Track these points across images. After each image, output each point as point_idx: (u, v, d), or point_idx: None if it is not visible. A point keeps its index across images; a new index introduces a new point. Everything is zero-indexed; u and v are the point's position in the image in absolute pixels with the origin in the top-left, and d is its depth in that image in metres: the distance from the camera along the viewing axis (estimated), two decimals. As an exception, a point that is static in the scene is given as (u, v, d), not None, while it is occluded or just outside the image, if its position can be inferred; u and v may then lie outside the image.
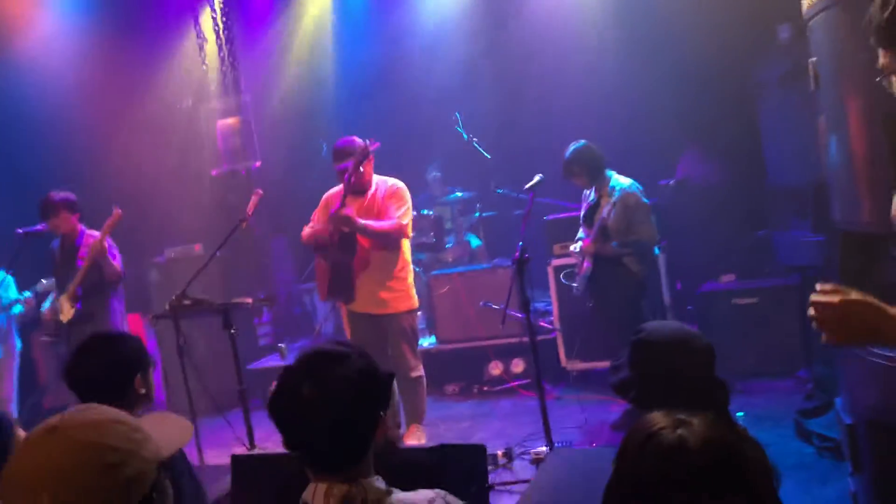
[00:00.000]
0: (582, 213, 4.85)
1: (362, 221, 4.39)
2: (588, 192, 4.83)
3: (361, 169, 4.48)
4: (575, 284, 5.00)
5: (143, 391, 2.34)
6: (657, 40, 6.01)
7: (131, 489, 1.16)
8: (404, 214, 4.53)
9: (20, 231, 5.06)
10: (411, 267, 4.72)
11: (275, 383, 1.65)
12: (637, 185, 4.64)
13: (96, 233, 5.07)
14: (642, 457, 1.26)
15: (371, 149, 4.43)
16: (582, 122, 6.07)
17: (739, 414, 4.21)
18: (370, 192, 4.59)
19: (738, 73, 5.59)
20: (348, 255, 4.50)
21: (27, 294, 5.64)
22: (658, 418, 1.31)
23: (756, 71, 5.33)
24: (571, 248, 4.93)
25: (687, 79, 5.96)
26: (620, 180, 4.63)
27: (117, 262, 5.05)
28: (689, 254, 5.74)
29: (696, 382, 1.86)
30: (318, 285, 4.84)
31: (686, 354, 1.90)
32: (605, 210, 4.54)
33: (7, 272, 5.47)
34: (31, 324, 6.22)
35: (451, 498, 1.66)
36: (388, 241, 4.53)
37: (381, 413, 1.66)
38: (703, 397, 1.84)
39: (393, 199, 4.55)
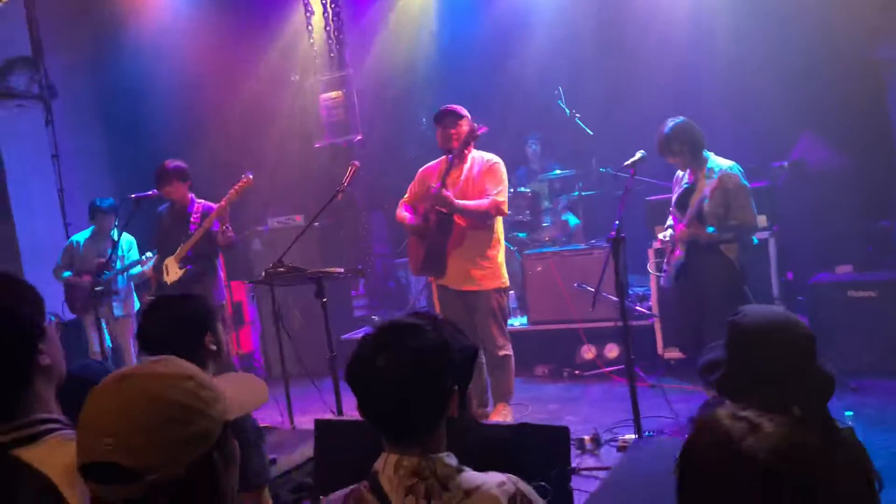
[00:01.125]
0: (675, 196, 4.51)
1: (460, 202, 4.37)
2: (682, 173, 4.49)
3: (466, 152, 4.47)
4: (662, 274, 4.70)
5: (213, 347, 2.38)
6: (775, 13, 5.63)
7: (192, 445, 1.16)
8: (501, 192, 4.48)
9: (133, 196, 5.32)
10: (503, 245, 4.66)
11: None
12: (738, 167, 4.28)
13: (206, 203, 5.29)
14: (706, 460, 1.16)
15: (479, 132, 4.43)
16: (690, 100, 5.80)
17: (848, 413, 3.92)
18: (466, 167, 4.56)
19: (863, 48, 5.18)
20: (445, 236, 4.51)
21: (150, 254, 5.92)
22: (726, 418, 1.19)
23: (883, 46, 4.91)
24: (661, 235, 4.62)
25: (807, 54, 5.56)
26: (720, 161, 4.27)
27: (230, 231, 5.18)
28: (803, 242, 5.39)
29: (792, 372, 1.72)
30: (410, 261, 4.87)
31: (784, 340, 1.75)
32: (705, 191, 4.21)
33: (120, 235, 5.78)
34: (142, 285, 6.58)
35: (522, 484, 1.61)
36: (484, 220, 4.49)
37: (455, 387, 1.62)
38: (799, 389, 1.70)
39: (489, 176, 4.50)
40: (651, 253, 5.54)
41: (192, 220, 5.23)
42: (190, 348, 2.29)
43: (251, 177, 5.07)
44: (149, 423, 1.13)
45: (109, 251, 5.85)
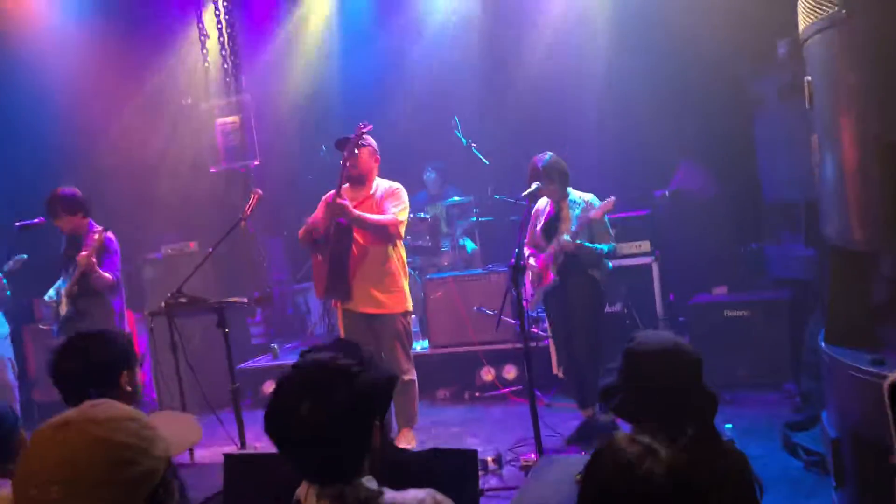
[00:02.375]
0: (540, 225, 4.72)
1: (357, 212, 4.43)
2: (542, 206, 4.74)
3: (357, 151, 4.51)
4: (527, 301, 4.73)
5: (129, 388, 2.35)
6: (656, 50, 6.06)
7: (140, 485, 1.19)
8: (401, 212, 4.58)
9: (17, 224, 5.06)
10: (406, 269, 4.75)
11: (271, 390, 1.63)
12: (596, 198, 4.62)
13: (101, 229, 5.02)
14: (608, 483, 1.31)
15: (364, 130, 4.47)
16: (578, 132, 6.14)
17: (728, 426, 4.24)
18: (370, 192, 4.63)
19: (736, 86, 5.64)
20: (343, 247, 4.52)
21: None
22: (626, 443, 1.35)
23: (754, 85, 5.37)
24: (531, 261, 4.74)
25: (684, 90, 6.01)
26: (580, 194, 4.63)
27: (110, 271, 4.98)
28: (683, 265, 5.78)
29: (683, 394, 1.90)
30: (315, 282, 4.85)
31: (674, 366, 1.93)
32: (573, 219, 4.50)
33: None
34: (21, 313, 6.21)
35: (440, 497, 1.68)
36: (383, 237, 4.55)
37: (378, 422, 1.67)
38: (689, 409, 1.88)
39: (391, 199, 4.60)
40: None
41: (84, 249, 5.01)
42: (104, 389, 2.25)
43: (108, 234, 4.95)
44: (97, 467, 1.15)
45: None
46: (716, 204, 5.91)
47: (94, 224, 5.10)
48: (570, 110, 6.39)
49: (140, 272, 6.83)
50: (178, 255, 6.75)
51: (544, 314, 5.96)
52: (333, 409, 1.53)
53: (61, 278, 5.17)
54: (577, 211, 4.53)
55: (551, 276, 4.63)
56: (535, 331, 5.91)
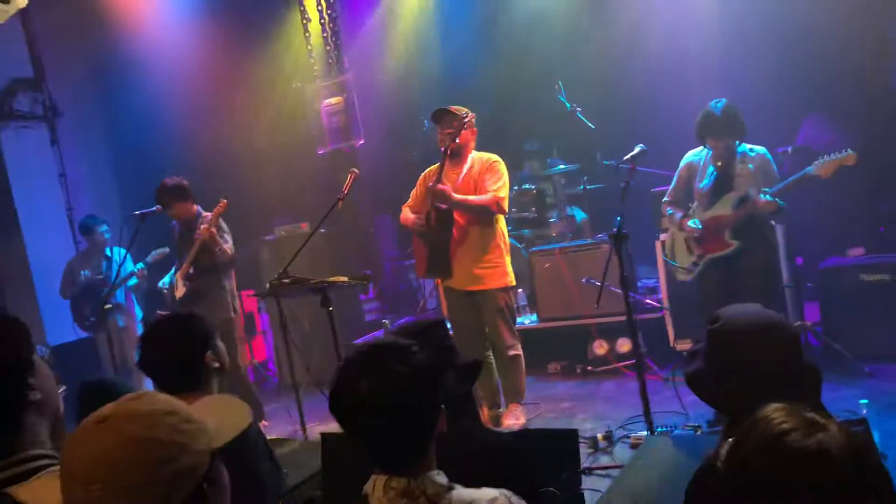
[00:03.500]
0: (705, 182, 4.28)
1: (458, 196, 4.35)
2: (692, 160, 4.39)
3: (458, 141, 4.44)
4: (686, 267, 4.42)
5: (216, 364, 2.40)
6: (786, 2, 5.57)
7: (182, 482, 1.15)
8: (501, 188, 4.45)
9: (137, 213, 5.33)
10: (508, 243, 4.64)
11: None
12: (767, 150, 4.24)
13: (208, 214, 5.29)
14: (769, 458, 1.11)
15: (466, 119, 4.40)
16: (692, 87, 5.73)
17: (863, 402, 3.87)
18: (466, 167, 4.54)
19: (870, 30, 5.09)
20: (446, 233, 4.49)
21: (140, 266, 6.02)
22: (784, 417, 1.14)
23: (891, 28, 4.82)
24: (690, 223, 4.31)
25: (812, 36, 5.49)
26: (750, 146, 4.23)
27: (228, 246, 5.23)
28: (812, 226, 5.32)
29: (782, 374, 1.67)
30: (416, 263, 4.86)
31: (769, 345, 1.70)
32: (745, 174, 4.11)
33: (127, 251, 5.81)
34: (149, 295, 6.61)
35: (515, 499, 1.58)
36: (484, 217, 4.47)
37: (443, 405, 1.60)
38: (789, 388, 1.66)
39: (489, 173, 4.49)
40: (658, 245, 5.48)
41: (196, 235, 5.24)
42: (192, 369, 2.30)
43: (226, 202, 5.12)
44: (136, 466, 1.12)
45: (104, 266, 5.90)
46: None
47: (202, 210, 5.33)
48: (680, 65, 5.99)
49: (256, 254, 7.07)
50: (290, 236, 6.94)
51: (657, 284, 5.69)
52: (392, 388, 1.51)
53: (174, 266, 5.43)
54: (751, 165, 4.14)
55: (728, 242, 4.21)
56: (649, 301, 5.65)
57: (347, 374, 1.56)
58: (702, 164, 4.34)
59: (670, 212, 4.53)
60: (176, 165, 7.23)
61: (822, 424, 1.11)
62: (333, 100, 7.39)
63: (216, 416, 1.30)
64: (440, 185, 4.35)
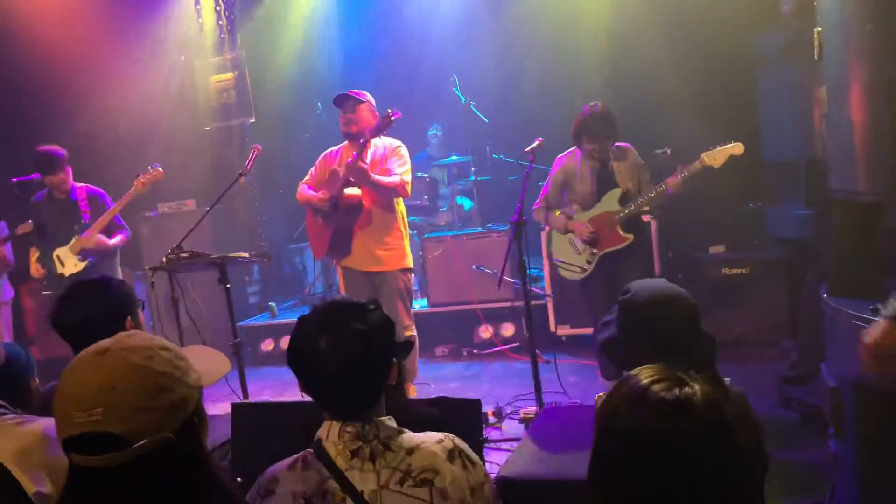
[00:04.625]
0: (591, 185, 4.45)
1: (375, 175, 4.41)
2: (573, 163, 4.51)
3: (360, 125, 4.48)
4: (581, 266, 4.53)
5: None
6: (660, 9, 6.01)
7: (176, 411, 1.22)
8: (405, 172, 4.55)
9: (14, 180, 5.02)
10: (407, 227, 4.75)
11: (284, 338, 1.68)
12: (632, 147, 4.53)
13: (89, 186, 5.15)
14: (632, 407, 1.26)
15: (393, 118, 4.37)
16: (577, 89, 6.09)
17: (726, 380, 4.29)
18: (370, 151, 4.60)
19: (737, 42, 5.59)
20: (352, 217, 4.53)
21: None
22: (653, 372, 1.30)
23: (756, 42, 5.33)
24: (580, 224, 4.42)
25: (685, 47, 5.97)
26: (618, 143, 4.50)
27: (119, 235, 5.15)
28: (682, 223, 5.79)
29: (681, 340, 1.91)
30: (313, 244, 4.85)
31: (672, 312, 1.93)
32: (622, 171, 4.38)
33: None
34: (18, 274, 6.20)
35: (458, 441, 1.72)
36: (388, 199, 4.55)
37: (394, 360, 1.71)
38: (690, 354, 1.89)
39: (395, 157, 4.57)
40: (544, 236, 5.78)
41: (81, 207, 5.00)
42: (110, 334, 2.25)
43: (160, 169, 5.01)
44: (136, 392, 1.18)
45: None
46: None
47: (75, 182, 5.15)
48: (568, 67, 6.34)
49: (136, 231, 6.79)
50: (174, 213, 6.73)
51: (541, 273, 6.00)
52: (351, 343, 1.59)
53: (46, 239, 5.13)
54: (629, 161, 4.41)
55: (623, 236, 4.40)
56: (534, 289, 5.94)
57: (306, 330, 1.63)
58: (578, 165, 4.53)
59: (547, 215, 4.65)
60: (52, 138, 6.82)
61: (686, 381, 1.26)
62: (224, 76, 7.22)
63: (199, 361, 1.36)
64: (361, 163, 4.36)
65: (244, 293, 7.26)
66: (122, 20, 6.92)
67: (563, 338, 5.79)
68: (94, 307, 2.25)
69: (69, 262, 5.01)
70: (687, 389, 1.25)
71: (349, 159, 4.42)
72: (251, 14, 7.36)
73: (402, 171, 4.52)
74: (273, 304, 6.95)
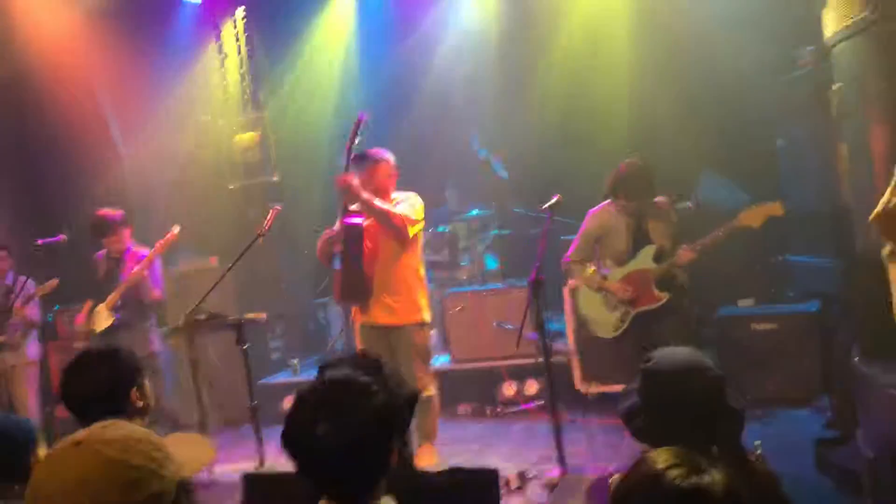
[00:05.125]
0: (622, 239, 4.42)
1: (365, 193, 4.29)
2: (608, 217, 4.50)
3: (357, 141, 4.41)
4: (612, 325, 4.47)
5: (140, 403, 2.31)
6: (678, 63, 6.01)
7: None
8: (410, 212, 4.45)
9: (39, 242, 5.10)
10: (424, 279, 4.66)
11: (289, 406, 1.61)
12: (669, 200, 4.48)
13: (143, 250, 5.26)
14: (646, 493, 1.20)
15: (362, 119, 4.36)
16: (599, 144, 6.07)
17: (757, 443, 4.12)
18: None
19: (758, 96, 5.55)
20: (354, 248, 4.41)
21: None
22: (670, 456, 1.24)
23: (777, 95, 5.29)
24: (615, 282, 4.37)
25: (706, 101, 5.94)
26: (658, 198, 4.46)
27: (158, 287, 5.22)
28: (708, 277, 5.66)
29: (705, 413, 1.82)
30: (333, 288, 4.75)
31: (695, 384, 1.86)
32: (656, 227, 4.32)
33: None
34: (45, 332, 6.27)
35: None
36: (391, 231, 4.40)
37: (397, 442, 1.63)
38: (712, 428, 1.80)
39: (402, 203, 4.51)
40: (566, 291, 5.69)
41: (126, 266, 5.13)
42: (115, 407, 2.21)
43: (176, 232, 5.11)
44: (109, 487, 1.13)
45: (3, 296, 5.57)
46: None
47: (132, 243, 5.33)
48: (589, 123, 6.33)
49: (160, 288, 6.84)
50: (197, 271, 6.76)
51: (564, 329, 5.89)
52: (351, 431, 1.51)
53: (92, 301, 5.24)
54: (664, 217, 4.35)
55: (659, 295, 4.32)
56: (557, 346, 5.83)
57: (302, 413, 1.55)
58: (613, 220, 4.48)
59: (580, 269, 4.58)
60: (77, 195, 6.95)
61: (704, 468, 1.19)
62: (248, 135, 7.33)
63: (182, 450, 1.32)
64: (346, 176, 4.24)
65: (266, 349, 7.23)
66: (148, 78, 7.08)
67: (589, 396, 5.64)
68: (95, 380, 2.22)
69: (101, 319, 5.12)
70: (705, 478, 1.18)
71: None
72: (274, 73, 7.50)
73: (404, 209, 4.42)
74: (295, 360, 6.90)
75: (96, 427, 1.23)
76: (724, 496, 1.17)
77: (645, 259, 4.38)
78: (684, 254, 4.23)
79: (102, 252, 5.37)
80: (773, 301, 5.42)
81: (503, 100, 6.84)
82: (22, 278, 5.57)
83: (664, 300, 4.34)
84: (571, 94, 6.44)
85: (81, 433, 1.21)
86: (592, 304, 4.60)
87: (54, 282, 5.67)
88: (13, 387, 5.80)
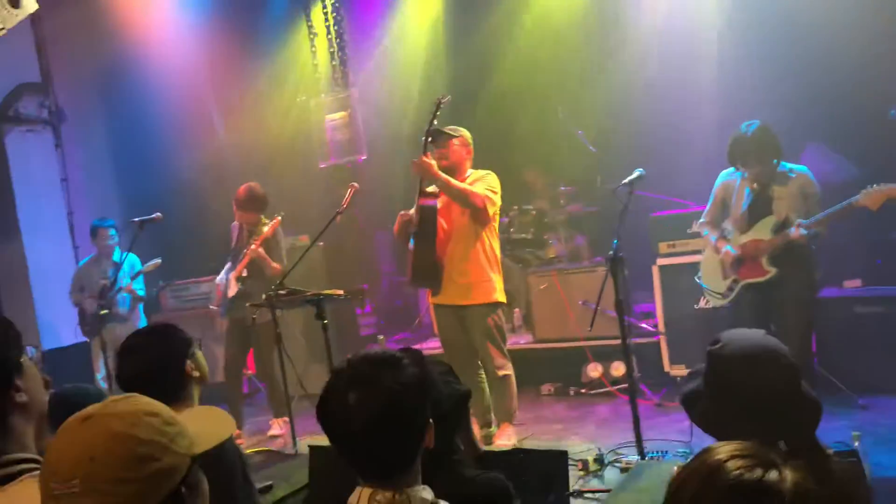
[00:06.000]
0: (742, 205, 4.19)
1: (443, 175, 4.30)
2: (732, 180, 4.25)
3: (435, 122, 4.41)
4: (721, 292, 4.31)
5: (196, 374, 2.36)
6: (781, 31, 5.62)
7: (160, 482, 1.16)
8: (490, 190, 4.40)
9: (136, 220, 5.36)
10: (499, 259, 4.59)
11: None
12: (809, 171, 4.14)
13: (270, 223, 5.43)
14: (705, 485, 1.08)
15: (443, 101, 4.36)
16: (695, 114, 5.78)
17: (856, 433, 3.85)
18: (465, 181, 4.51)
19: (870, 66, 5.13)
20: (428, 228, 4.40)
21: (156, 260, 6.12)
22: (738, 447, 1.11)
23: (890, 65, 4.86)
24: (726, 248, 4.20)
25: (814, 72, 5.53)
26: (790, 165, 4.15)
27: (276, 265, 5.34)
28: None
29: (775, 403, 1.67)
30: (407, 270, 4.76)
31: (766, 371, 1.70)
32: (783, 197, 4.02)
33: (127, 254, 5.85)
34: (149, 306, 6.62)
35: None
36: (469, 209, 4.38)
37: (430, 420, 1.60)
38: (782, 420, 1.65)
39: (480, 181, 4.46)
40: (655, 269, 5.48)
41: (254, 240, 5.34)
42: (172, 380, 2.27)
43: (279, 218, 5.31)
44: (115, 462, 1.12)
45: (111, 272, 5.89)
46: (848, 190, 5.38)
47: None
48: (687, 87, 6.02)
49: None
50: (290, 248, 6.92)
51: (653, 308, 5.68)
52: (379, 399, 1.50)
53: (229, 264, 5.50)
54: (794, 187, 4.04)
55: (766, 269, 4.11)
56: (645, 326, 5.65)
57: (336, 385, 1.56)
58: (737, 184, 4.25)
59: (706, 233, 4.46)
60: (177, 174, 7.27)
61: (776, 463, 1.07)
62: (337, 114, 7.44)
63: (200, 423, 1.30)
64: (423, 158, 4.26)
65: (356, 325, 7.36)
66: (242, 58, 7.29)
67: (679, 378, 5.43)
68: (149, 357, 2.28)
69: (232, 285, 5.35)
70: (773, 474, 1.06)
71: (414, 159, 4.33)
72: (363, 52, 7.55)
73: (484, 188, 4.38)
74: (382, 337, 6.99)
75: (109, 401, 1.23)
76: (793, 496, 1.04)
77: (763, 229, 4.12)
78: (796, 230, 3.94)
79: (236, 223, 5.59)
80: (881, 283, 5.01)
81: (590, 76, 6.62)
82: (128, 255, 5.89)
83: (769, 274, 4.09)
84: (663, 62, 6.15)
85: (92, 407, 1.20)
86: (711, 270, 4.43)
87: (157, 262, 5.98)
88: None
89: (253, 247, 5.21)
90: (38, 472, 1.50)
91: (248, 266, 5.32)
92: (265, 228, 5.29)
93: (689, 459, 1.19)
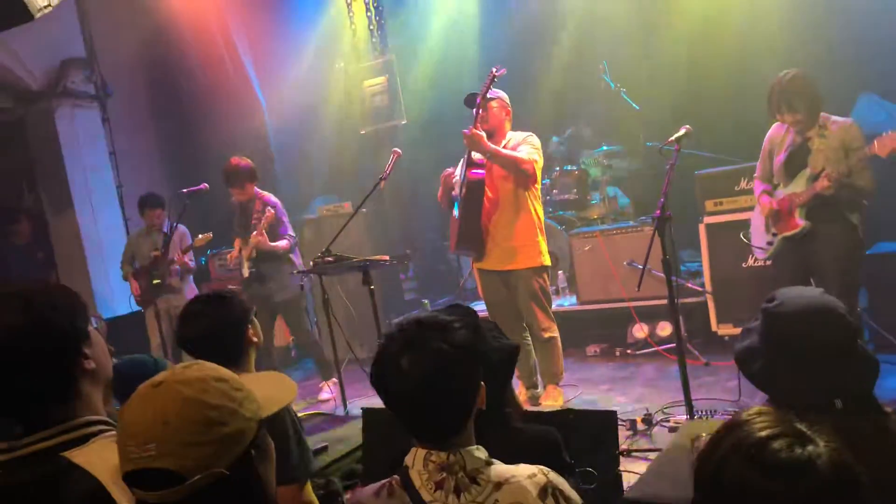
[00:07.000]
0: (780, 157, 4.08)
1: (493, 146, 4.31)
2: (777, 133, 4.14)
3: (489, 96, 4.39)
4: (761, 246, 4.25)
5: (255, 339, 2.44)
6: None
7: (230, 445, 1.20)
8: (535, 152, 4.40)
9: (184, 191, 5.45)
10: (542, 222, 4.58)
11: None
12: (855, 123, 3.96)
13: (267, 196, 5.45)
14: (745, 462, 1.07)
15: (497, 74, 4.31)
16: (739, 66, 5.63)
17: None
18: (503, 142, 4.50)
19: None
20: (475, 198, 4.42)
21: (201, 235, 6.07)
22: (769, 422, 1.09)
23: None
24: (764, 199, 4.13)
25: (866, 18, 5.32)
26: (831, 118, 3.97)
27: (282, 243, 5.36)
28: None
29: (832, 361, 1.65)
30: (451, 237, 4.80)
31: (823, 328, 1.67)
32: (824, 149, 3.88)
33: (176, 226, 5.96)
34: (200, 275, 6.76)
35: (553, 475, 1.59)
36: (517, 175, 4.38)
37: (482, 382, 1.62)
38: (840, 378, 1.63)
39: (524, 144, 4.44)
40: (702, 228, 5.40)
41: (253, 217, 5.35)
42: (231, 345, 2.34)
43: (273, 212, 5.23)
44: (188, 427, 1.17)
45: (162, 244, 6.01)
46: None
47: (258, 191, 5.47)
48: (726, 45, 5.85)
49: (299, 232, 7.16)
50: (333, 216, 7.01)
51: (701, 268, 5.61)
52: (431, 361, 1.53)
53: (241, 239, 5.52)
54: (835, 140, 3.88)
55: (798, 222, 4.03)
56: (692, 286, 5.59)
57: (389, 349, 1.58)
58: (780, 137, 4.14)
59: (755, 187, 4.38)
60: (220, 146, 7.36)
61: (810, 437, 1.06)
62: (376, 80, 7.42)
63: (264, 388, 1.35)
64: (475, 130, 4.26)
65: (400, 290, 7.43)
66: (281, 26, 7.29)
67: (726, 338, 5.38)
68: (213, 321, 2.34)
69: (245, 266, 5.40)
70: (810, 448, 1.05)
71: (465, 130, 4.32)
72: (401, 17, 7.49)
73: (529, 152, 4.36)
74: (426, 301, 7.05)
75: (178, 367, 1.27)
76: (831, 471, 1.03)
77: (800, 181, 4.01)
78: (820, 182, 3.84)
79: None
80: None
81: (633, 33, 6.47)
82: (179, 227, 6.01)
83: (801, 227, 4.00)
84: (707, 16, 5.97)
85: (162, 374, 1.25)
86: (758, 224, 4.34)
87: (209, 235, 6.07)
88: (173, 327, 6.32)
89: (252, 243, 5.24)
90: (110, 432, 1.57)
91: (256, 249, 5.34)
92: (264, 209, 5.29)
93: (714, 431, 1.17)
